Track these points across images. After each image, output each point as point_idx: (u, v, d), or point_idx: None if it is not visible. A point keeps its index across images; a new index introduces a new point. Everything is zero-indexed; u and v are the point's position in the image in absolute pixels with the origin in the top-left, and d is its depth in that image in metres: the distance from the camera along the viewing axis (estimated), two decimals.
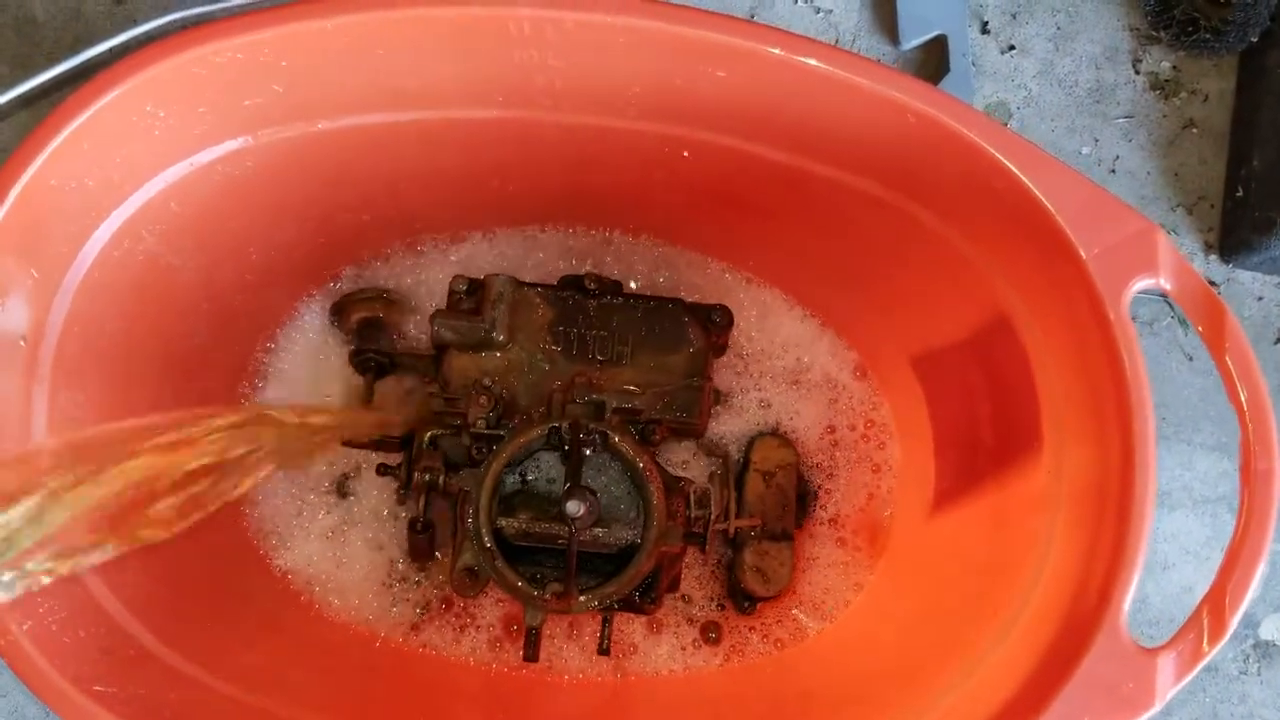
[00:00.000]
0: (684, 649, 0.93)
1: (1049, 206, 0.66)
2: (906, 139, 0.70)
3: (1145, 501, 0.63)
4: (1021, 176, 0.66)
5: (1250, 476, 0.64)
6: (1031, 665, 0.67)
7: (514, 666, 0.91)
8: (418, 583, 0.93)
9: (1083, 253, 0.65)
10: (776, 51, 0.67)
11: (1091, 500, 0.68)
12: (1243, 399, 0.64)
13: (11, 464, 0.69)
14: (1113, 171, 1.05)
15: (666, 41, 0.68)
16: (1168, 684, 0.63)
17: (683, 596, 0.94)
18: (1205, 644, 0.62)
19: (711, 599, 0.94)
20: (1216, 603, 0.63)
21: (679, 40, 0.68)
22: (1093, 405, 0.68)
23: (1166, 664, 0.63)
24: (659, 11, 0.66)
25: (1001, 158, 0.66)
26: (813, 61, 0.67)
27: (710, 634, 0.93)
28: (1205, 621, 0.63)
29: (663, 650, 0.92)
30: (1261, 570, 0.63)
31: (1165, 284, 0.66)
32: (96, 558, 0.68)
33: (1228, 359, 0.65)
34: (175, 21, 0.97)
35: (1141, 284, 0.66)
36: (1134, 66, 1.06)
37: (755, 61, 0.68)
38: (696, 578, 0.94)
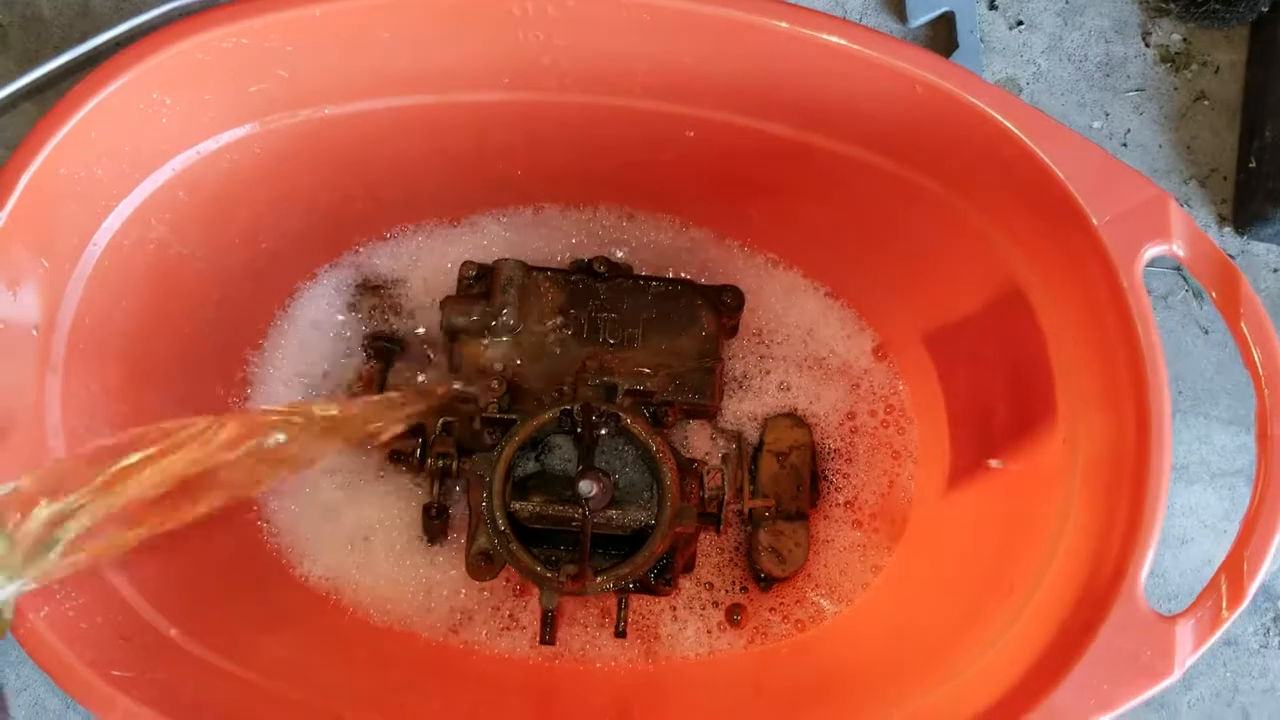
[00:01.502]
0: (710, 632, 0.92)
1: (1059, 174, 0.65)
2: (915, 111, 0.69)
3: (1161, 469, 0.63)
4: (1031, 144, 0.66)
5: (1267, 442, 0.63)
6: (1050, 636, 0.67)
7: (549, 656, 0.91)
8: (459, 591, 0.92)
9: (1094, 220, 0.65)
10: (783, 25, 0.67)
11: (1107, 470, 0.68)
12: (1258, 363, 0.64)
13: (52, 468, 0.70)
14: (1124, 145, 1.04)
15: (671, 17, 0.68)
16: (1186, 651, 0.62)
17: (706, 584, 0.93)
18: (1224, 610, 0.62)
19: (735, 582, 0.93)
20: (1234, 569, 0.62)
21: (684, 16, 0.68)
22: (1107, 374, 0.68)
23: (1185, 631, 0.63)
24: None
25: (1011, 126, 0.66)
26: (820, 35, 0.67)
27: (734, 616, 0.93)
28: (1224, 588, 0.63)
29: (689, 634, 0.92)
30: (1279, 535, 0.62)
31: (1178, 250, 0.65)
32: (119, 546, 0.69)
33: (1243, 325, 0.64)
34: (178, 9, 0.97)
35: (1154, 251, 0.65)
36: (1144, 39, 1.05)
37: (762, 36, 0.68)
38: (715, 564, 0.94)
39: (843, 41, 0.66)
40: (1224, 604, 0.62)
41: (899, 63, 0.66)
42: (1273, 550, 0.63)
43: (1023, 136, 0.65)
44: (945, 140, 0.70)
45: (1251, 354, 0.64)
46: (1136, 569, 0.63)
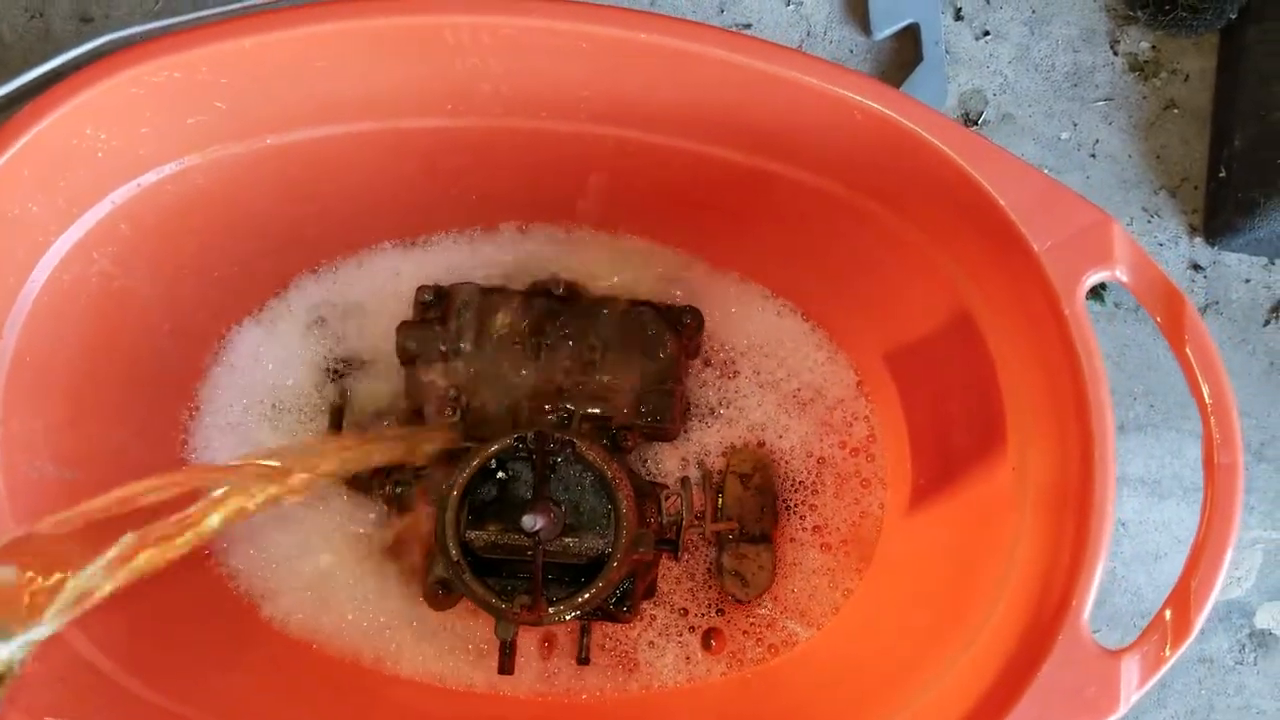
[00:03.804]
0: (688, 659, 0.91)
1: (999, 200, 0.64)
2: (857, 136, 0.68)
3: (1105, 500, 0.62)
4: (970, 170, 0.64)
5: (1213, 471, 0.62)
6: (997, 670, 0.66)
7: (530, 694, 0.90)
8: (428, 625, 0.91)
9: (1035, 247, 0.64)
10: (719, 53, 0.66)
11: (1054, 500, 0.66)
12: (1205, 393, 0.63)
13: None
14: (1093, 155, 1.03)
15: (607, 44, 0.67)
16: (1132, 687, 0.61)
17: (681, 610, 0.92)
18: (1168, 649, 0.61)
19: (710, 605, 0.92)
20: (1181, 602, 0.61)
21: (620, 43, 0.67)
22: (1052, 402, 0.67)
23: (1131, 666, 0.61)
24: (594, 15, 0.65)
25: (950, 152, 0.65)
26: (755, 62, 0.66)
27: (709, 641, 0.92)
28: (1169, 622, 0.61)
29: (668, 661, 0.91)
30: (1226, 566, 0.61)
31: (1122, 276, 0.64)
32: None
33: (1188, 351, 0.63)
34: (139, 33, 0.97)
35: (1097, 277, 0.64)
36: (1112, 48, 1.04)
37: (699, 64, 0.67)
38: (688, 589, 0.92)
39: (778, 68, 0.65)
40: (1169, 640, 0.61)
41: (836, 89, 0.65)
42: (1220, 582, 0.61)
43: (961, 162, 0.64)
44: (888, 166, 0.69)
45: (1197, 382, 0.63)
46: (1080, 603, 0.62)
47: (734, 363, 0.95)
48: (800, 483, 0.93)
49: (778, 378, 0.95)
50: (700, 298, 0.94)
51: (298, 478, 0.79)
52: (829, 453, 0.93)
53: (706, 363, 0.95)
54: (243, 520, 0.75)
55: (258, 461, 0.78)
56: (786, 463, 0.93)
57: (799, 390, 0.94)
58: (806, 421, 0.94)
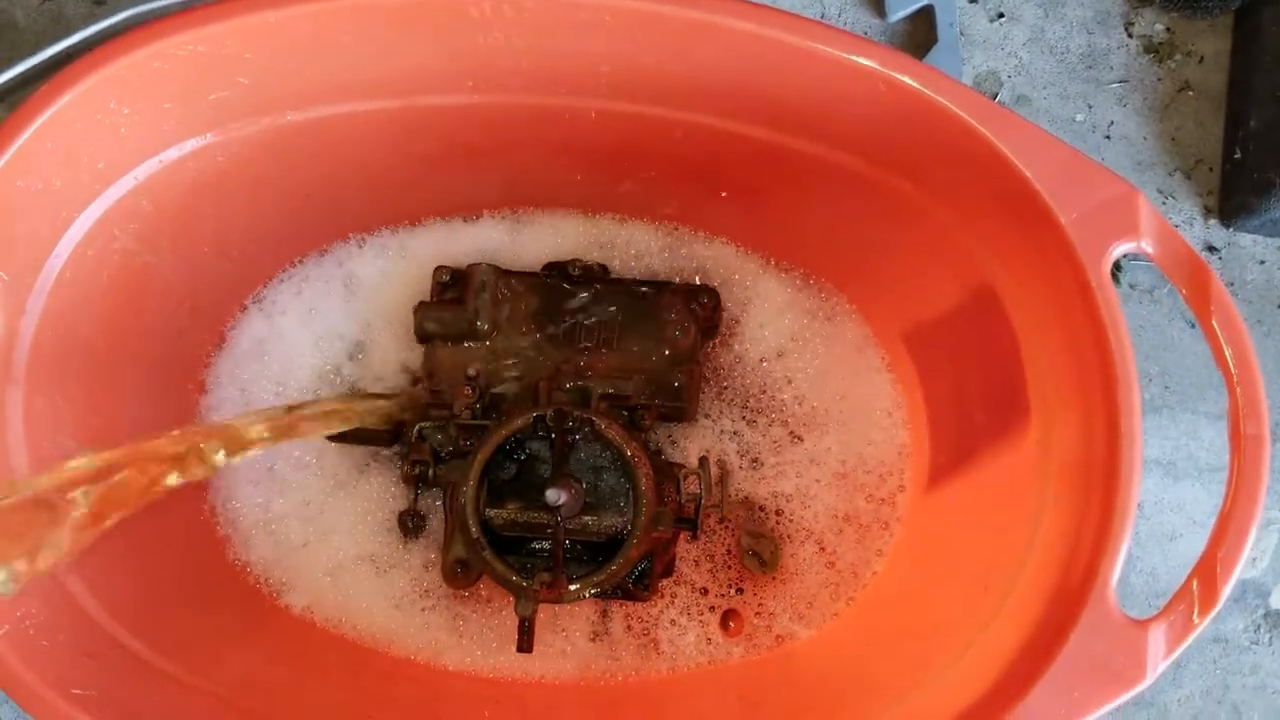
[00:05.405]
0: (710, 640, 0.90)
1: (1025, 171, 0.64)
2: (881, 109, 0.68)
3: (1132, 471, 0.62)
4: (995, 141, 0.64)
5: (1240, 442, 0.62)
6: (1023, 641, 0.66)
7: (555, 676, 0.89)
8: (432, 606, 0.91)
9: (1061, 218, 0.64)
10: (743, 25, 0.66)
11: (1079, 472, 0.66)
12: (1230, 362, 0.63)
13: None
14: (1108, 137, 1.03)
15: (630, 18, 0.67)
16: (1159, 657, 0.61)
17: (701, 589, 0.92)
18: (1196, 615, 0.61)
19: (729, 585, 0.92)
20: (1207, 572, 0.61)
21: (643, 16, 0.67)
22: (1077, 374, 0.67)
23: (1157, 636, 0.61)
24: None
25: (974, 122, 0.65)
26: (781, 34, 0.66)
27: (728, 623, 0.91)
28: (1196, 592, 0.61)
29: (690, 640, 0.90)
30: (1253, 537, 0.61)
31: (1147, 247, 0.64)
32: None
33: (1214, 322, 0.63)
34: (156, 10, 0.97)
35: (1122, 248, 0.64)
36: (1126, 30, 1.04)
37: (722, 36, 0.67)
38: (708, 570, 0.92)
39: (801, 39, 0.65)
40: (1196, 609, 0.61)
41: (862, 60, 0.65)
42: (1246, 552, 0.61)
43: (986, 133, 0.64)
44: (911, 139, 0.69)
45: (1223, 352, 0.63)
46: (1107, 573, 0.62)
47: (805, 427, 0.93)
48: (810, 531, 0.92)
49: (833, 455, 0.93)
50: (712, 272, 0.94)
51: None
52: (855, 508, 0.92)
53: (784, 423, 0.93)
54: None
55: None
56: (805, 523, 0.92)
57: (845, 462, 0.92)
58: (838, 491, 0.92)
